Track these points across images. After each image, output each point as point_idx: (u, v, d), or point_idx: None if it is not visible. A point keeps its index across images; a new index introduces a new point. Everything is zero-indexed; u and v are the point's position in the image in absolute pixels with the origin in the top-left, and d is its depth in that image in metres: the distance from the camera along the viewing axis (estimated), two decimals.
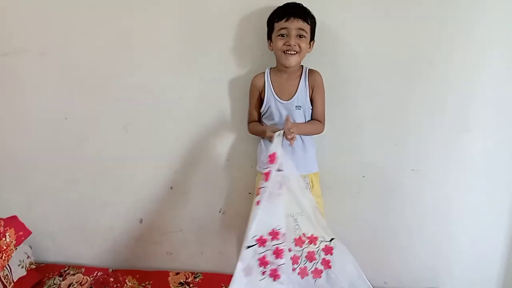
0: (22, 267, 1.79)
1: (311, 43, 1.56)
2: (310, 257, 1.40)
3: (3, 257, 1.60)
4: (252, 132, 1.70)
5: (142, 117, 1.81)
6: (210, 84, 1.74)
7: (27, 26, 1.75)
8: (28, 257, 1.85)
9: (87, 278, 1.88)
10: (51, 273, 1.89)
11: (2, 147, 1.90)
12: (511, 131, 1.69)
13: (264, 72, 1.63)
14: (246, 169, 1.79)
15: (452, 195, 1.77)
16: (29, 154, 1.90)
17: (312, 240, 1.41)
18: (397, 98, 1.69)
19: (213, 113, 1.77)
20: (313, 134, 1.63)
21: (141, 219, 1.93)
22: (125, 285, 1.85)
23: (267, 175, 1.34)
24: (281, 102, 1.59)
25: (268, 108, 1.61)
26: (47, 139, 1.88)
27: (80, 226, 1.97)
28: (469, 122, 1.69)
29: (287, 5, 1.54)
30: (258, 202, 1.32)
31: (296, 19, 1.49)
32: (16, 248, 1.68)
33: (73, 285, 1.84)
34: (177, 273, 1.90)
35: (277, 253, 1.32)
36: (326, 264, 1.41)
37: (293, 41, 1.49)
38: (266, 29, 1.58)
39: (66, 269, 1.93)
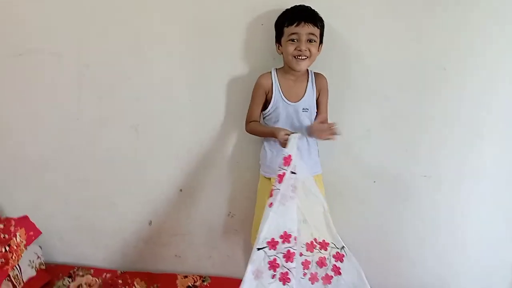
0: (32, 267, 1.79)
1: (320, 46, 1.55)
2: (321, 262, 1.40)
3: (13, 257, 1.61)
4: (252, 131, 1.65)
5: (152, 118, 1.81)
6: (220, 86, 1.73)
7: (40, 27, 1.76)
8: (38, 257, 1.85)
9: (96, 280, 1.89)
10: (61, 274, 1.90)
11: (14, 146, 1.91)
12: None
13: (270, 72, 1.60)
14: (256, 173, 1.77)
15: (464, 203, 1.76)
16: (40, 154, 1.90)
17: (323, 245, 1.40)
18: (409, 104, 1.68)
19: (223, 116, 1.77)
20: None
21: (150, 221, 1.93)
22: (133, 287, 1.86)
23: (281, 177, 1.33)
24: (289, 104, 1.58)
25: (275, 109, 1.59)
26: (58, 139, 1.88)
27: (89, 227, 1.97)
28: (483, 129, 1.67)
29: (296, 8, 1.51)
30: (270, 204, 1.31)
31: (306, 23, 1.47)
32: (26, 248, 1.68)
33: (82, 287, 1.85)
34: (185, 276, 1.89)
35: (288, 256, 1.30)
36: (337, 270, 1.40)
37: (304, 46, 1.48)
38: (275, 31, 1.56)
39: (75, 269, 1.93)
